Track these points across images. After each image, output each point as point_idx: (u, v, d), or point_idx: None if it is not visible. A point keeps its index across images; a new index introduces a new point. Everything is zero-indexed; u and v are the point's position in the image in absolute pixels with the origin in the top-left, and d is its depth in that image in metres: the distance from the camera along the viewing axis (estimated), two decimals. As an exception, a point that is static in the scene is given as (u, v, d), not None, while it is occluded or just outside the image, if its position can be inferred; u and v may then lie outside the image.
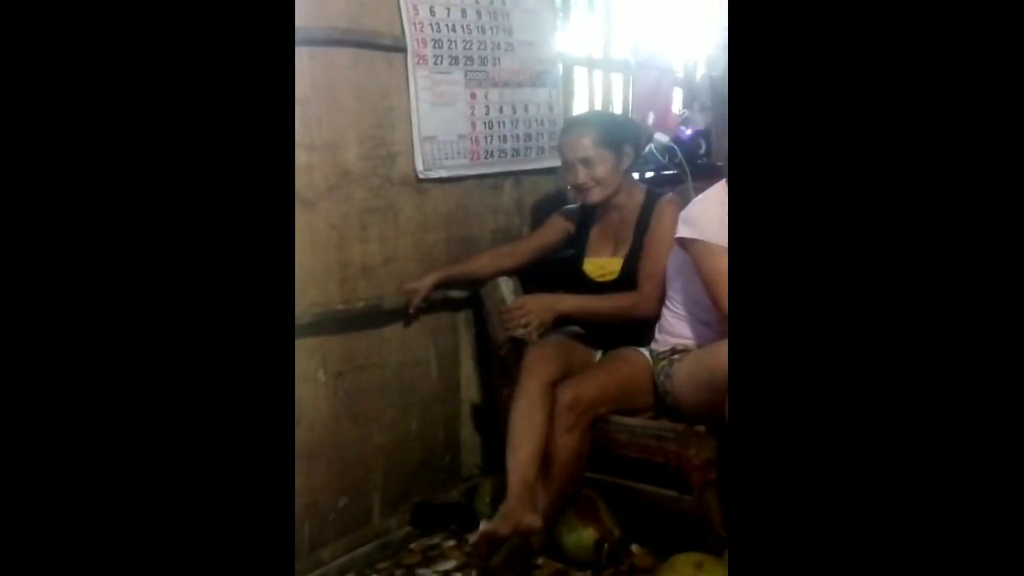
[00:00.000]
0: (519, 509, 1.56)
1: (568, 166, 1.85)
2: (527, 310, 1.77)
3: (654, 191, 1.94)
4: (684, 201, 1.78)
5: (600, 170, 1.82)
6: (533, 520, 1.56)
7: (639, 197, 1.90)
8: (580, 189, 1.85)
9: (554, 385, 1.70)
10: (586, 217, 1.97)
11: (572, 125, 1.91)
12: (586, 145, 1.81)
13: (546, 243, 2.00)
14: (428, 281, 1.86)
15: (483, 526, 1.56)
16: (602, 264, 1.90)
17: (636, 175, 2.62)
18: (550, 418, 1.66)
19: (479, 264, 1.95)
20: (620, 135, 1.87)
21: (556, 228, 2.01)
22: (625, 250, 1.87)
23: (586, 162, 1.82)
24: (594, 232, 1.95)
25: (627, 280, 1.84)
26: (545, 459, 1.65)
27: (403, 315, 1.88)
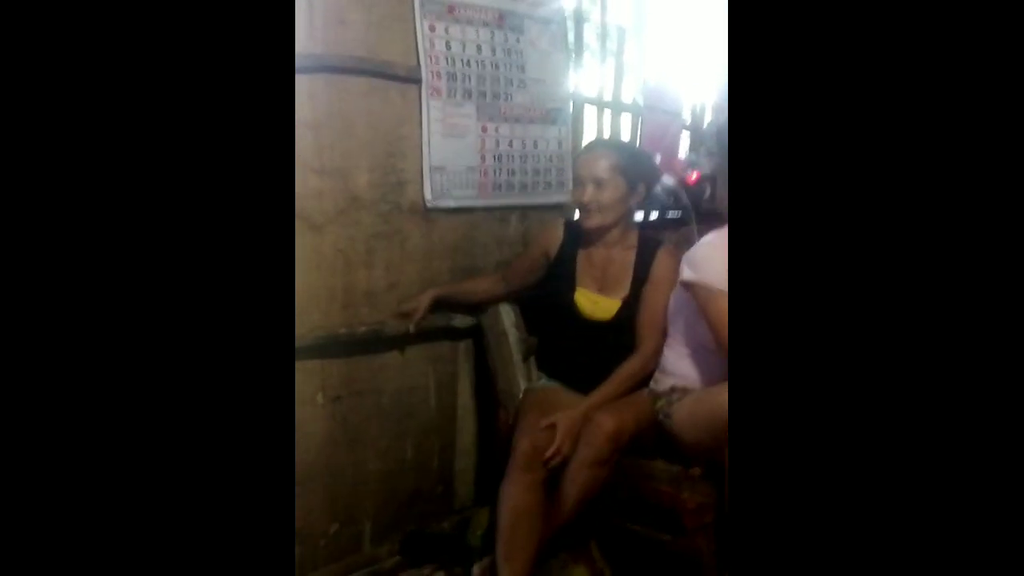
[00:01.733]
0: None
1: (578, 183, 1.82)
2: (564, 439, 1.63)
3: (649, 236, 1.91)
4: (687, 244, 1.78)
5: (608, 195, 1.79)
6: None
7: (633, 239, 1.87)
8: (582, 209, 1.81)
9: (547, 477, 1.61)
10: (572, 238, 1.89)
11: (596, 145, 1.93)
12: (603, 166, 1.79)
13: (529, 266, 1.92)
14: (426, 298, 1.83)
15: None
16: (595, 301, 1.84)
17: (641, 215, 2.65)
18: (542, 516, 1.59)
19: (475, 288, 1.94)
20: (639, 169, 1.85)
21: (537, 247, 1.93)
22: (622, 293, 1.83)
23: (598, 182, 1.78)
24: (581, 260, 1.87)
25: (622, 325, 1.81)
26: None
27: (404, 341, 1.88)
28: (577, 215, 1.85)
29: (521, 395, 1.89)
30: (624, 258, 1.85)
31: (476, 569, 1.54)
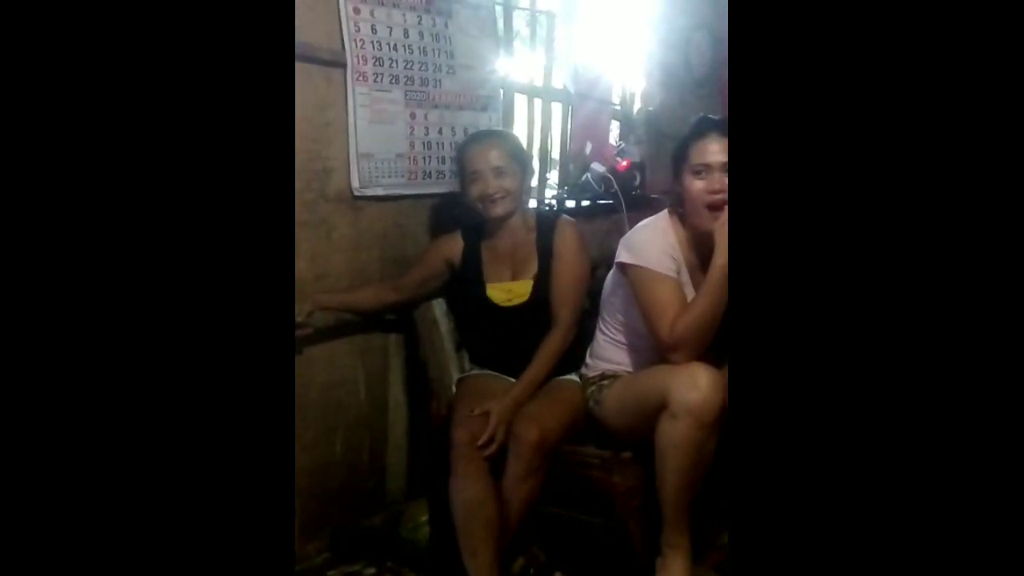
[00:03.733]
0: None
1: (475, 177, 1.78)
2: (497, 426, 1.62)
3: (544, 213, 1.91)
4: (619, 231, 1.81)
5: (509, 182, 1.79)
6: None
7: (532, 220, 1.87)
8: (489, 200, 1.78)
9: (490, 464, 1.60)
10: (473, 241, 1.88)
11: (481, 136, 1.88)
12: (498, 155, 1.79)
13: (427, 276, 1.89)
14: (307, 305, 1.72)
15: None
16: (508, 288, 1.83)
17: (573, 203, 2.67)
18: (496, 501, 1.58)
19: (363, 297, 1.87)
20: (524, 154, 1.91)
21: (436, 258, 1.89)
22: (531, 271, 1.82)
23: (498, 172, 1.77)
24: (487, 256, 1.86)
25: (538, 303, 1.81)
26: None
27: (331, 334, 1.84)
28: (482, 207, 1.80)
29: (454, 385, 1.88)
30: (527, 240, 1.85)
31: None
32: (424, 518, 1.80)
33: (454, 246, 1.89)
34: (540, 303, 1.81)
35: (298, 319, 1.70)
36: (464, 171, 1.81)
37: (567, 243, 1.80)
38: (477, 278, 1.86)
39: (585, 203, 2.64)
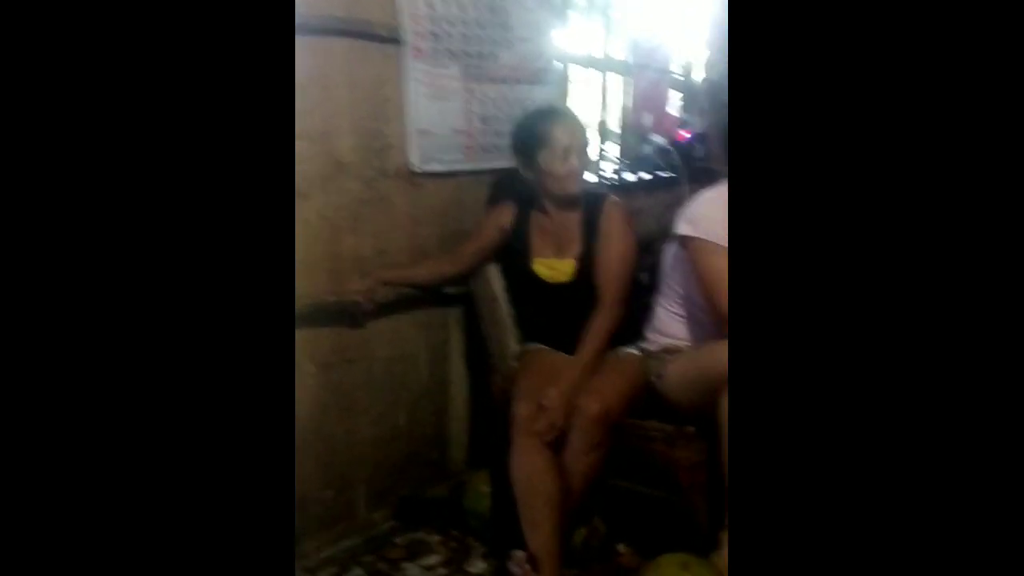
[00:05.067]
0: None
1: (566, 152, 1.75)
2: (555, 412, 1.62)
3: (592, 192, 1.89)
4: (680, 204, 1.77)
5: (586, 161, 1.81)
6: None
7: (579, 200, 1.85)
8: (568, 177, 1.77)
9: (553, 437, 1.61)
10: (524, 212, 1.89)
11: (561, 112, 1.87)
12: (583, 134, 1.80)
13: (484, 245, 1.91)
14: (371, 281, 1.76)
15: None
16: (552, 265, 1.84)
17: (633, 177, 2.64)
18: (558, 475, 1.59)
19: (422, 271, 1.90)
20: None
21: (490, 227, 1.91)
22: (575, 251, 1.82)
23: (580, 150, 1.78)
24: (533, 230, 1.88)
25: (582, 283, 1.81)
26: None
27: (394, 309, 1.88)
28: (557, 184, 1.78)
29: (514, 359, 1.90)
30: (573, 219, 1.84)
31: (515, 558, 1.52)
32: (487, 489, 1.83)
33: (507, 215, 1.91)
34: (584, 283, 1.81)
35: (361, 295, 1.75)
36: (548, 145, 1.75)
37: (614, 224, 1.80)
38: (524, 251, 1.87)
39: (645, 176, 2.60)
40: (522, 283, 1.90)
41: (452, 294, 2.00)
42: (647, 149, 2.57)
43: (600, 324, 1.75)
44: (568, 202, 1.82)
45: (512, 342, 1.94)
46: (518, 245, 1.88)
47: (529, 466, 1.59)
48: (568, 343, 1.78)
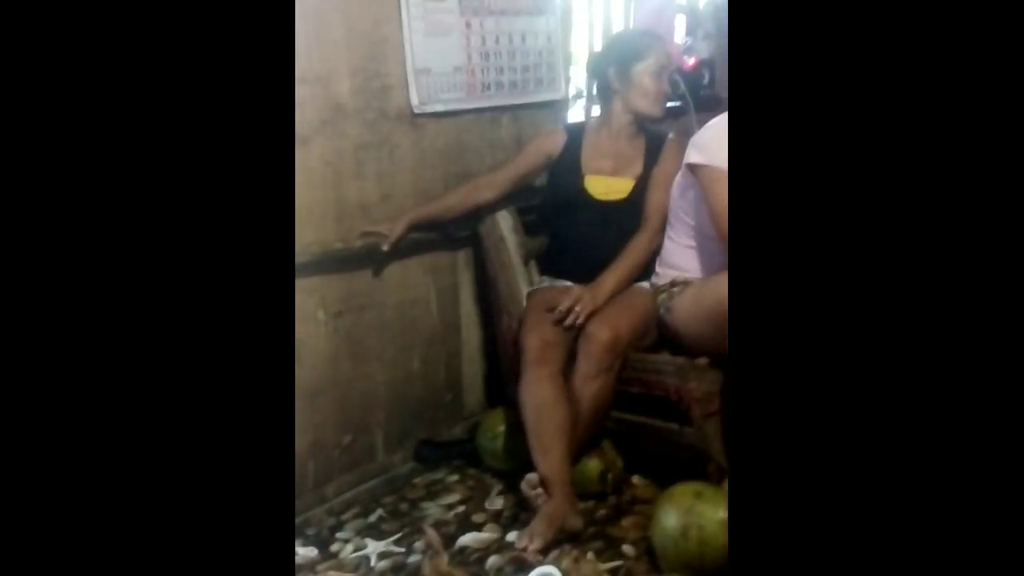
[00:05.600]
0: (562, 511, 1.52)
1: (656, 69, 1.83)
2: (581, 300, 1.70)
3: (654, 129, 1.94)
4: (687, 134, 1.75)
5: (668, 89, 1.88)
6: (576, 522, 1.54)
7: (641, 132, 1.92)
8: (658, 95, 1.85)
9: (561, 368, 1.66)
10: (575, 135, 1.93)
11: (659, 37, 1.95)
12: (672, 64, 1.89)
13: (524, 171, 1.94)
14: (401, 224, 1.78)
15: (526, 538, 1.48)
16: (607, 183, 1.87)
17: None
18: (567, 403, 1.62)
19: (455, 200, 1.89)
20: None
21: (536, 152, 1.94)
22: (634, 172, 1.87)
23: (670, 75, 1.87)
24: (588, 150, 1.91)
25: (634, 203, 1.85)
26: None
27: (401, 253, 1.87)
28: (647, 104, 1.85)
29: (524, 299, 1.90)
30: (635, 146, 1.90)
31: (526, 535, 1.50)
32: (501, 427, 1.86)
33: (556, 140, 1.93)
34: (636, 205, 1.85)
35: (395, 236, 1.77)
36: (645, 60, 1.82)
37: (673, 158, 1.83)
38: (575, 168, 1.89)
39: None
40: (566, 205, 1.89)
41: (459, 236, 1.99)
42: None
43: (641, 243, 1.82)
44: (637, 127, 1.88)
45: (522, 283, 1.94)
46: (568, 165, 1.90)
47: (539, 396, 1.62)
48: (599, 268, 1.79)
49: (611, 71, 1.86)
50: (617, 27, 2.55)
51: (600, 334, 1.65)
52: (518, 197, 1.97)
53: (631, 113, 1.86)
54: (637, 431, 1.77)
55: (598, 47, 2.57)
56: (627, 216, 1.84)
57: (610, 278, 1.76)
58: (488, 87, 1.99)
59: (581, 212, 1.86)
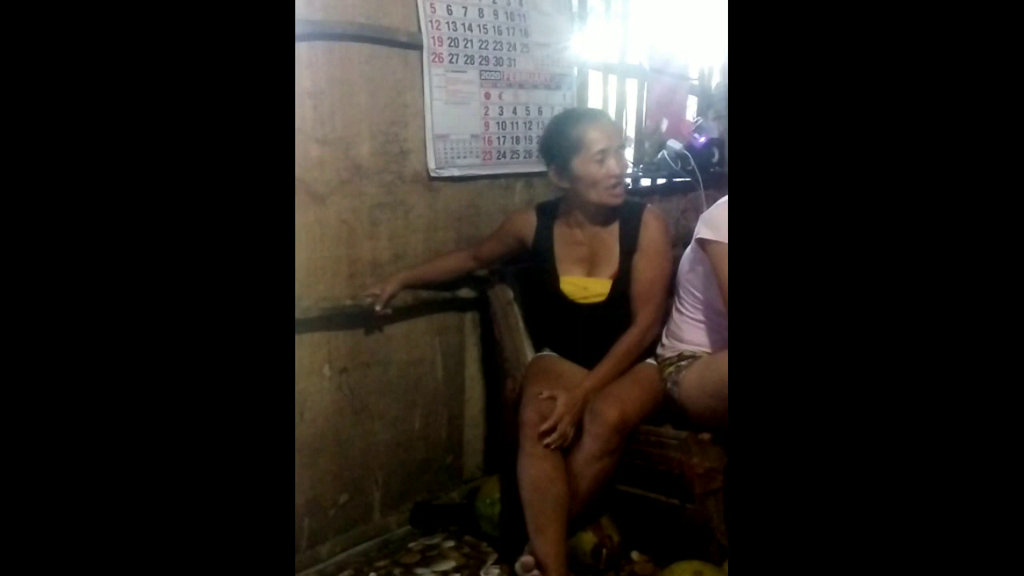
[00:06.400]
0: None
1: (603, 156, 1.67)
2: (561, 418, 1.60)
3: (630, 201, 1.78)
4: (696, 210, 1.78)
5: (625, 162, 1.72)
6: None
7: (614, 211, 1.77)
8: (614, 185, 1.69)
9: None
10: (546, 222, 1.81)
11: (594, 113, 1.83)
12: (618, 132, 1.73)
13: (501, 251, 1.89)
14: (393, 284, 1.77)
15: None
16: (584, 285, 1.77)
17: (648, 181, 2.64)
18: (565, 480, 1.58)
19: (443, 266, 1.90)
20: None
21: (508, 235, 1.86)
22: (610, 270, 1.75)
23: (618, 152, 1.69)
24: (560, 244, 1.79)
25: (617, 303, 1.75)
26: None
27: (409, 313, 1.89)
28: (597, 194, 1.69)
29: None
30: (608, 231, 1.76)
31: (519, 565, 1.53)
32: (499, 494, 1.83)
33: (526, 224, 1.84)
34: (619, 302, 1.75)
35: (382, 300, 1.76)
36: (581, 149, 1.67)
37: (653, 237, 1.72)
38: (549, 268, 1.80)
39: (661, 181, 2.60)
40: (546, 300, 1.84)
41: (468, 298, 2.02)
42: (663, 154, 2.58)
43: (629, 343, 1.72)
44: (606, 212, 1.74)
45: (527, 348, 1.95)
46: (542, 262, 1.81)
47: (536, 472, 1.58)
48: (591, 360, 1.75)
49: (551, 171, 1.75)
50: (631, 104, 2.63)
51: (608, 414, 1.59)
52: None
53: (585, 209, 1.75)
54: (637, 504, 1.75)
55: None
56: (611, 317, 1.76)
57: (593, 383, 1.67)
58: (503, 154, 2.04)
59: (562, 314, 1.80)
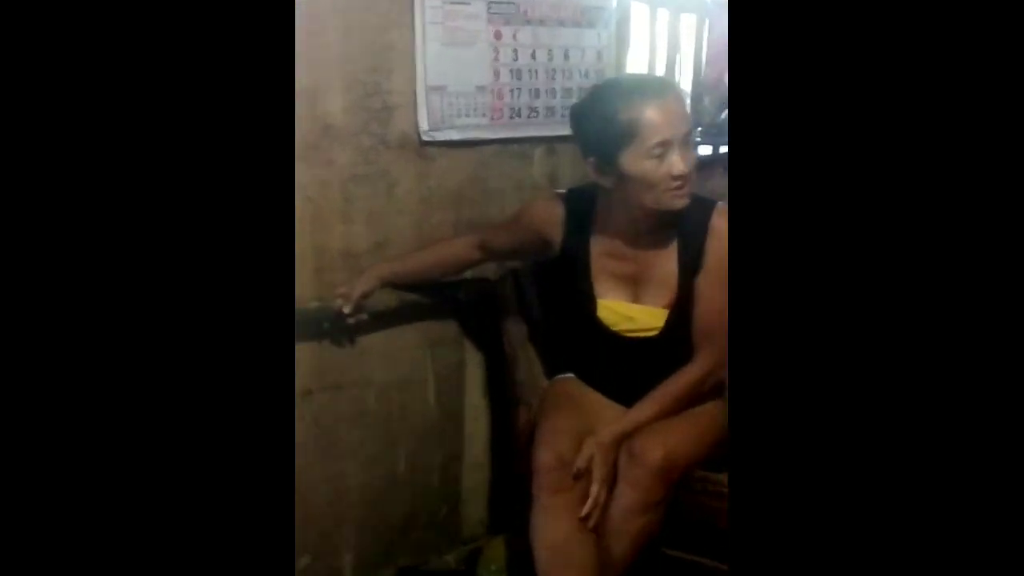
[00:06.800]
0: None
1: (660, 149, 1.53)
2: (591, 461, 1.58)
3: (696, 199, 1.63)
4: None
5: (693, 158, 1.59)
6: None
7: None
8: (676, 187, 1.56)
9: (585, 494, 1.58)
10: (579, 220, 1.72)
11: (657, 85, 1.63)
12: (685, 114, 1.60)
13: (519, 246, 1.84)
14: (368, 280, 1.76)
15: None
16: (629, 315, 1.70)
17: (709, 149, 2.62)
18: (594, 542, 1.56)
19: (439, 257, 1.86)
20: None
21: (528, 228, 1.79)
22: (666, 297, 1.67)
23: (683, 142, 1.55)
24: (598, 253, 1.71)
25: (674, 339, 1.68)
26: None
27: (394, 319, 1.88)
28: (654, 198, 1.57)
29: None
30: (664, 242, 1.66)
31: None
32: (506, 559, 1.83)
33: (551, 218, 1.75)
34: (676, 336, 1.68)
35: (352, 300, 1.75)
36: (634, 139, 1.53)
37: (724, 250, 1.52)
38: (583, 287, 1.72)
39: (724, 149, 2.58)
40: (577, 326, 1.77)
41: (468, 301, 2.00)
42: (724, 115, 2.56)
43: (687, 383, 1.67)
44: (662, 217, 1.62)
45: (546, 368, 1.94)
46: (572, 275, 1.73)
47: (555, 530, 1.57)
48: (629, 397, 1.70)
49: (590, 165, 1.62)
50: (686, 47, 2.61)
51: (651, 455, 1.56)
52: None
53: (634, 215, 1.64)
54: (687, 573, 1.74)
55: (661, 70, 2.62)
56: (664, 354, 1.69)
57: (631, 423, 1.63)
58: (518, 113, 2.03)
59: (598, 346, 1.74)
